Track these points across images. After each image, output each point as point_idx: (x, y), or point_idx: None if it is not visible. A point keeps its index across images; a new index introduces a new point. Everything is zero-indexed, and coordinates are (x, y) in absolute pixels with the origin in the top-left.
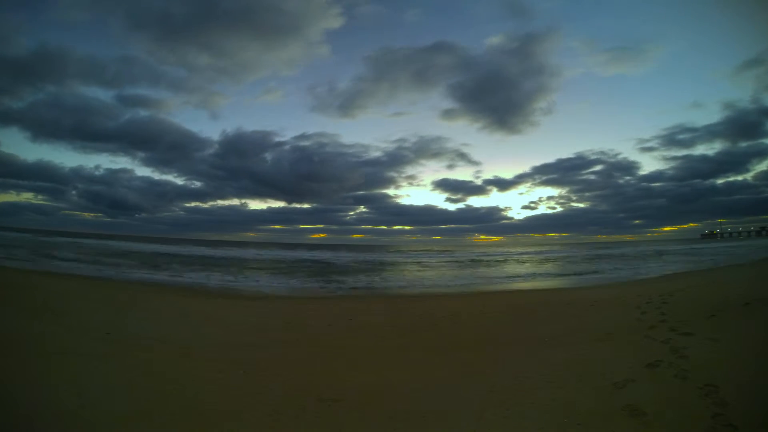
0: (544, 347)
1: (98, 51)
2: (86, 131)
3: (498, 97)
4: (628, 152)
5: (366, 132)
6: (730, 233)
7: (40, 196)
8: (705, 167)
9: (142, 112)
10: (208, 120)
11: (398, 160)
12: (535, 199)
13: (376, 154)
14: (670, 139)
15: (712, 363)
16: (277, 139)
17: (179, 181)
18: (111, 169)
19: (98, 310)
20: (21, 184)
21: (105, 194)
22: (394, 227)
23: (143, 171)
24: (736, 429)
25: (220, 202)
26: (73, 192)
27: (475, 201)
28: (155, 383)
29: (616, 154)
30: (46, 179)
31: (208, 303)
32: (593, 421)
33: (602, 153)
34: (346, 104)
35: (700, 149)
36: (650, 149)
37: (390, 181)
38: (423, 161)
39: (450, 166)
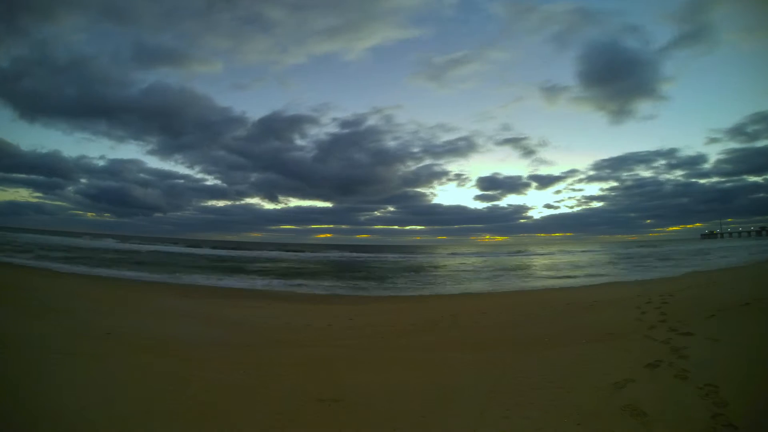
0: (544, 347)
1: None
2: (88, 107)
3: (627, 75)
4: (697, 145)
5: (456, 107)
6: (730, 233)
7: (36, 193)
8: (760, 161)
9: (167, 74)
10: (261, 89)
11: (468, 147)
12: (565, 197)
13: (451, 137)
14: (738, 131)
15: (712, 363)
16: (335, 114)
17: (194, 174)
18: (119, 160)
19: (98, 310)
20: (14, 178)
21: (111, 191)
22: (407, 227)
23: (153, 161)
24: (736, 429)
25: (246, 200)
26: (70, 188)
27: (510, 199)
28: (155, 383)
29: (687, 146)
30: (44, 173)
31: (209, 303)
32: (593, 421)
33: (674, 146)
34: (445, 72)
35: (764, 141)
36: (716, 140)
37: (437, 176)
38: (494, 149)
39: (526, 153)
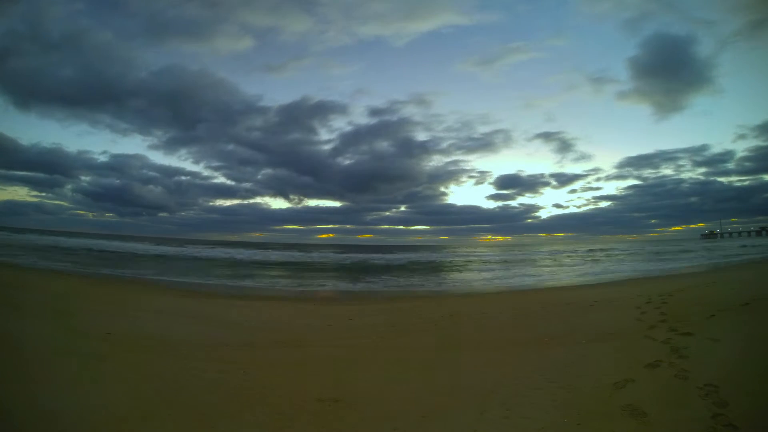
0: (544, 347)
1: None
2: (88, 92)
3: (684, 68)
4: (726, 142)
5: (502, 96)
6: (730, 233)
7: (34, 192)
8: None
9: (184, 52)
10: (293, 72)
11: (502, 141)
12: (575, 197)
13: (488, 129)
14: (766, 127)
15: (712, 363)
16: (369, 101)
17: (201, 170)
18: (122, 155)
19: (98, 310)
20: (12, 175)
21: (113, 189)
22: (412, 227)
23: (157, 156)
24: (736, 429)
25: (255, 199)
26: (69, 186)
27: (524, 199)
28: (155, 383)
29: (718, 143)
30: (43, 170)
31: (209, 303)
32: (593, 421)
33: (705, 143)
34: (500, 59)
35: None
36: (743, 137)
37: (458, 173)
38: (526, 144)
39: (556, 149)
